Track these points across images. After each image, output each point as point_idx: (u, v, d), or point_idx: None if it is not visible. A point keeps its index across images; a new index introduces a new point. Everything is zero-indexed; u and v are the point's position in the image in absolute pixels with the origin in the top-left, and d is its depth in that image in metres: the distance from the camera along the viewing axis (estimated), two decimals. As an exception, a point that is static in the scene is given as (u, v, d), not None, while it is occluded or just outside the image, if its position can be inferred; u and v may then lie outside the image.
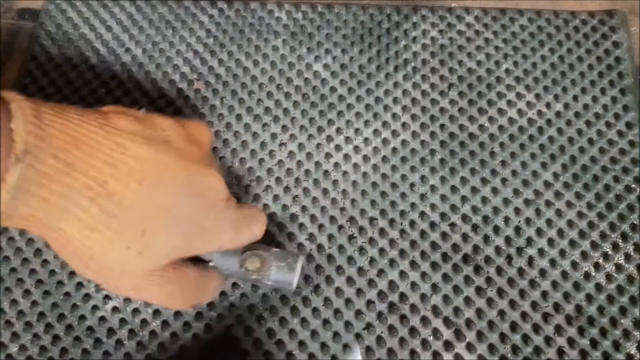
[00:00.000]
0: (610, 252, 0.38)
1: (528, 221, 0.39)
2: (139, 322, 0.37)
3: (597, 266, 0.38)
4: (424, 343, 0.36)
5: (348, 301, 0.37)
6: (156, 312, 0.37)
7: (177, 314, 0.37)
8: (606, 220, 0.39)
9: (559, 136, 0.42)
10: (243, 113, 0.44)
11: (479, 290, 0.37)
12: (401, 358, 0.36)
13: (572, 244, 0.39)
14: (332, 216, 0.40)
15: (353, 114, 0.43)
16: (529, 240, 0.39)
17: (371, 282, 0.38)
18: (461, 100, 0.44)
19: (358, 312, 0.37)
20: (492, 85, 0.44)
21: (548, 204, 0.40)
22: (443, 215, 0.40)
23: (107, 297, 0.37)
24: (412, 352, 0.36)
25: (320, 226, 0.39)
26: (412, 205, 0.40)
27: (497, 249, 0.39)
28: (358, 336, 0.36)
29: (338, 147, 0.42)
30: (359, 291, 0.37)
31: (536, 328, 0.36)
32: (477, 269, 0.38)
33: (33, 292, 0.38)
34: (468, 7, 0.48)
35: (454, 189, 0.41)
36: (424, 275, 0.38)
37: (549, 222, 0.39)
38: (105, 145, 0.27)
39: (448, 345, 0.36)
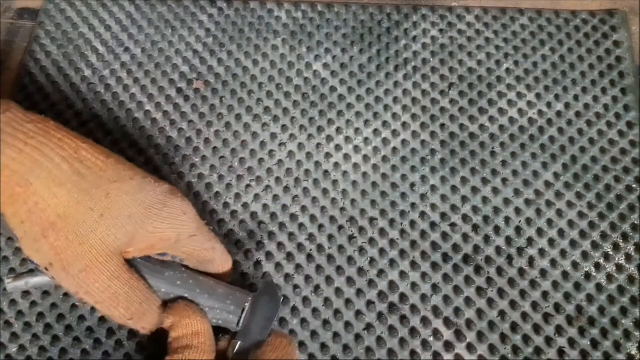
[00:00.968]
0: (611, 253, 0.38)
1: (529, 221, 0.39)
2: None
3: (597, 266, 0.38)
4: (425, 343, 0.36)
5: (348, 301, 0.37)
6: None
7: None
8: (607, 220, 0.39)
9: (560, 136, 0.42)
10: (243, 112, 0.43)
11: (479, 290, 0.37)
12: (401, 358, 0.35)
13: (573, 244, 0.38)
14: (332, 216, 0.40)
15: (353, 113, 0.43)
16: (530, 241, 0.39)
17: (371, 283, 0.38)
18: (462, 100, 0.44)
19: (358, 313, 0.37)
20: (492, 85, 0.44)
21: (549, 204, 0.40)
22: (443, 216, 0.40)
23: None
24: (413, 353, 0.36)
25: (320, 226, 0.39)
26: (413, 205, 0.40)
27: (498, 249, 0.38)
28: (358, 337, 0.36)
29: (338, 147, 0.42)
30: (359, 291, 0.37)
31: (537, 328, 0.36)
32: (478, 270, 0.38)
33: (32, 293, 0.37)
34: (468, 6, 0.47)
35: (454, 189, 0.40)
36: (424, 275, 0.38)
37: (549, 222, 0.39)
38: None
39: (448, 345, 0.36)
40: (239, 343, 0.31)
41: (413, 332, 0.36)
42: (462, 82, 0.44)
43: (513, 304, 0.37)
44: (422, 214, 0.40)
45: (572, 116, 0.43)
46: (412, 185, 0.41)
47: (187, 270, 0.33)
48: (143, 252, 0.30)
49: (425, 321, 0.36)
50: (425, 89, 0.44)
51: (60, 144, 0.29)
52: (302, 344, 0.36)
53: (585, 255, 0.38)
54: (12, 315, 0.37)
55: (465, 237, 0.39)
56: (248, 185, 0.41)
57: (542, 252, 0.38)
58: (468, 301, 0.37)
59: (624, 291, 0.37)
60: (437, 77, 0.45)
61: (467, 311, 0.37)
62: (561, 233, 0.39)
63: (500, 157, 0.41)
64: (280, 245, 0.39)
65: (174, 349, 0.29)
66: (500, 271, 0.38)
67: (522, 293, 0.37)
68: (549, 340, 0.36)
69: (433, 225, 0.39)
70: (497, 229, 0.39)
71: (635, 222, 0.39)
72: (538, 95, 0.44)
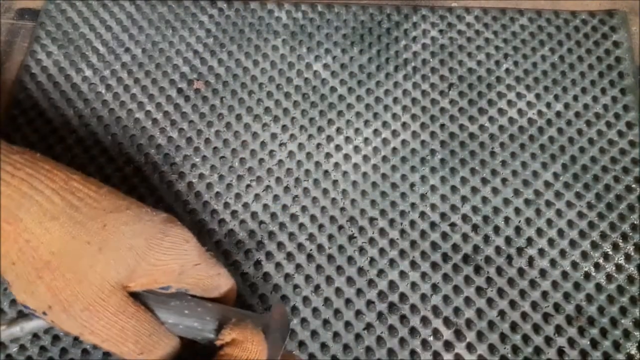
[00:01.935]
0: (610, 252, 0.38)
1: (528, 221, 0.39)
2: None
3: (597, 266, 0.38)
4: (424, 343, 0.36)
5: (348, 301, 0.37)
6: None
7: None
8: (606, 220, 0.39)
9: (559, 136, 0.42)
10: (243, 113, 0.44)
11: (479, 290, 0.37)
12: (401, 358, 0.36)
13: (573, 244, 0.39)
14: (332, 216, 0.40)
15: (353, 113, 0.43)
16: (529, 241, 0.39)
17: (371, 282, 0.38)
18: (461, 100, 0.44)
19: (358, 312, 0.37)
20: (492, 85, 0.44)
21: (548, 204, 0.40)
22: (443, 216, 0.40)
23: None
24: (413, 353, 0.36)
25: (321, 226, 0.39)
26: (412, 205, 0.40)
27: (498, 249, 0.39)
28: (358, 336, 0.36)
29: (338, 147, 0.42)
30: (359, 291, 0.37)
31: (536, 328, 0.36)
32: (477, 269, 0.38)
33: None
34: (468, 6, 0.47)
35: (454, 189, 0.40)
36: (424, 275, 0.38)
37: (549, 222, 0.39)
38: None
39: (448, 345, 0.36)
40: None
41: (413, 331, 0.36)
42: (462, 83, 0.44)
43: (513, 304, 0.37)
44: (422, 214, 0.40)
45: (572, 116, 0.43)
46: (412, 185, 0.41)
47: (193, 298, 0.31)
48: (145, 286, 0.28)
49: (425, 321, 0.37)
50: (425, 89, 0.44)
51: (50, 175, 0.27)
52: (302, 344, 0.36)
53: (584, 255, 0.38)
54: (13, 315, 0.37)
55: (465, 237, 0.39)
56: (248, 185, 0.41)
57: (541, 252, 0.38)
58: (468, 301, 0.37)
59: (623, 291, 0.37)
60: (436, 77, 0.45)
61: (467, 311, 0.37)
62: (561, 233, 0.39)
63: (499, 157, 0.42)
64: (280, 245, 0.39)
65: None
66: (499, 271, 0.38)
67: (522, 293, 0.37)
68: (548, 340, 0.36)
69: (433, 225, 0.39)
70: (496, 229, 0.39)
71: (635, 222, 0.39)
72: (537, 96, 0.44)
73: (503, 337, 0.36)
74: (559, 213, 0.39)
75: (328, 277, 0.38)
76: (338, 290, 0.37)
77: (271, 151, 0.42)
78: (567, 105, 0.43)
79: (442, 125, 0.43)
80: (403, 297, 0.37)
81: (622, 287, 0.37)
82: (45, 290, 0.26)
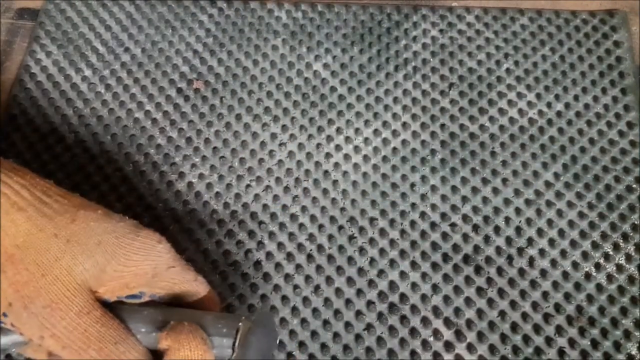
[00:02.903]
0: (611, 253, 0.38)
1: (529, 221, 0.39)
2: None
3: (597, 266, 0.38)
4: (425, 343, 0.36)
5: (348, 302, 0.37)
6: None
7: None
8: (607, 220, 0.39)
9: (560, 136, 0.42)
10: (243, 112, 0.43)
11: (479, 290, 0.37)
12: (401, 358, 0.35)
13: (573, 244, 0.38)
14: (332, 216, 0.40)
15: (353, 113, 0.43)
16: (530, 241, 0.39)
17: (371, 283, 0.38)
18: (462, 100, 0.44)
19: (358, 313, 0.37)
20: (492, 85, 0.44)
21: (549, 204, 0.40)
22: (443, 216, 0.40)
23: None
24: (413, 353, 0.36)
25: (321, 226, 0.39)
26: (413, 205, 0.40)
27: (498, 249, 0.38)
28: (358, 337, 0.36)
29: (338, 147, 0.42)
30: (359, 292, 0.37)
31: (537, 328, 0.36)
32: (478, 270, 0.38)
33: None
34: (469, 6, 0.47)
35: (454, 189, 0.40)
36: (424, 275, 0.38)
37: (549, 222, 0.39)
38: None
39: (448, 345, 0.36)
40: None
41: (413, 332, 0.36)
42: (462, 82, 0.44)
43: (513, 304, 0.37)
44: (422, 214, 0.40)
45: (572, 116, 0.43)
46: (412, 185, 0.41)
47: (167, 305, 0.29)
48: (116, 292, 0.26)
49: (425, 321, 0.36)
50: (425, 89, 0.44)
51: (20, 173, 0.26)
52: (302, 344, 0.36)
53: (585, 255, 0.38)
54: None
55: (465, 237, 0.39)
56: (248, 185, 0.41)
57: (542, 252, 0.38)
58: (468, 301, 0.37)
59: (624, 291, 0.37)
60: (437, 77, 0.45)
61: (467, 311, 0.37)
62: (561, 233, 0.39)
63: (500, 157, 0.41)
64: (280, 245, 0.39)
65: None
66: (500, 271, 0.38)
67: (522, 293, 0.37)
68: (549, 340, 0.36)
69: (433, 225, 0.39)
70: (497, 229, 0.39)
71: (636, 222, 0.39)
72: (538, 95, 0.44)
73: (503, 338, 0.36)
74: (559, 213, 0.39)
75: (328, 278, 0.38)
76: (338, 291, 0.37)
77: (271, 151, 0.42)
78: (567, 105, 0.43)
79: (443, 125, 0.43)
80: (403, 297, 0.37)
81: (622, 287, 0.37)
82: (7, 285, 0.24)
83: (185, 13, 0.47)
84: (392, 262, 0.38)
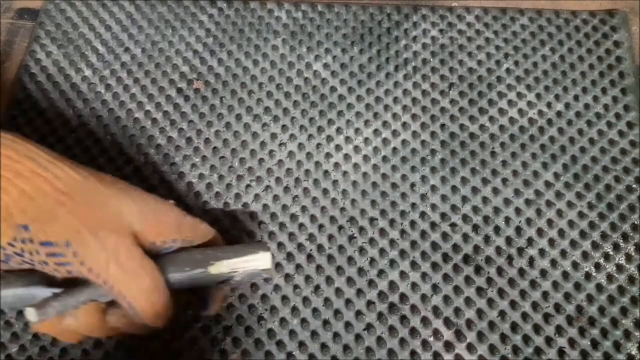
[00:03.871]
0: (611, 253, 0.38)
1: (529, 221, 0.39)
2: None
3: (597, 266, 0.38)
4: (425, 343, 0.36)
5: (348, 302, 0.37)
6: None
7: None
8: (607, 220, 0.39)
9: (560, 136, 0.42)
10: (243, 113, 0.43)
11: (479, 290, 0.37)
12: (401, 358, 0.35)
13: (573, 244, 0.38)
14: (332, 216, 0.40)
15: (353, 113, 0.43)
16: (530, 241, 0.39)
17: (371, 283, 0.38)
18: (462, 100, 0.44)
19: (358, 313, 0.37)
20: (492, 85, 0.44)
21: (549, 204, 0.40)
22: (443, 216, 0.40)
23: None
24: (413, 353, 0.36)
25: (320, 226, 0.39)
26: (413, 205, 0.40)
27: (498, 249, 0.38)
28: (358, 337, 0.36)
29: (338, 147, 0.42)
30: (359, 292, 0.37)
31: (537, 328, 0.36)
32: (478, 270, 0.38)
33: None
34: (469, 6, 0.47)
35: (454, 189, 0.40)
36: (424, 275, 0.38)
37: (549, 222, 0.39)
38: None
39: (448, 345, 0.36)
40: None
41: (413, 332, 0.36)
42: (462, 82, 0.44)
43: (513, 304, 0.37)
44: (422, 214, 0.40)
45: (572, 116, 0.43)
46: (412, 185, 0.41)
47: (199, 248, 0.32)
48: (151, 239, 0.29)
49: (425, 321, 0.36)
50: (425, 89, 0.44)
51: (47, 150, 0.28)
52: (302, 344, 0.36)
53: (585, 255, 0.38)
54: (13, 315, 0.37)
55: (465, 237, 0.39)
56: (248, 185, 0.41)
57: (542, 252, 0.38)
58: (468, 301, 0.37)
59: (624, 291, 0.37)
60: (437, 77, 0.45)
61: (467, 311, 0.37)
62: (561, 233, 0.39)
63: (500, 157, 0.41)
64: (280, 245, 0.39)
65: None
66: (500, 271, 0.38)
67: (522, 293, 0.37)
68: (549, 340, 0.36)
69: (433, 225, 0.39)
70: (497, 229, 0.39)
71: (636, 222, 0.39)
72: (538, 95, 0.44)
73: (503, 338, 0.36)
74: (559, 213, 0.39)
75: (328, 278, 0.38)
76: (338, 291, 0.37)
77: (271, 151, 0.42)
78: (567, 105, 0.43)
79: (443, 125, 0.43)
80: (403, 297, 0.37)
81: (622, 287, 0.37)
82: (71, 216, 0.26)
83: (185, 13, 0.47)
84: (392, 262, 0.38)
